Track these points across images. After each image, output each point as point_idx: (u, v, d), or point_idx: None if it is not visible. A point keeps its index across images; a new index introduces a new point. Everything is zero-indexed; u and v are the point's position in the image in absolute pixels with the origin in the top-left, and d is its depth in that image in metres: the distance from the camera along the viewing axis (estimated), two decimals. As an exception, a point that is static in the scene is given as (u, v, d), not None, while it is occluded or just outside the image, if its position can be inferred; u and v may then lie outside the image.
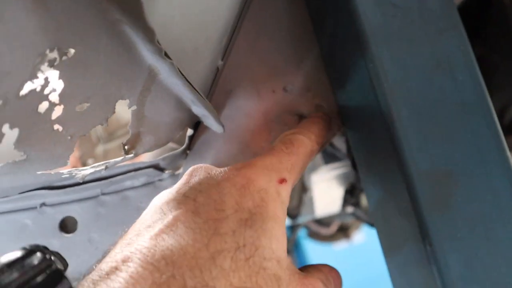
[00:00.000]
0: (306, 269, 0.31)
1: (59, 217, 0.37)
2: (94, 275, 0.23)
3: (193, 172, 0.30)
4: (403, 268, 0.36)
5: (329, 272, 0.31)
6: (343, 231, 1.40)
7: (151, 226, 0.26)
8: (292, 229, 1.17)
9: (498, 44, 0.54)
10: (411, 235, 0.31)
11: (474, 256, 0.29)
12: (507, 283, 0.28)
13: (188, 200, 0.27)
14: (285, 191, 0.30)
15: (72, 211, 0.37)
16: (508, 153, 0.30)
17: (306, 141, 0.34)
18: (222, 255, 0.24)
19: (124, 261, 0.23)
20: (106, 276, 0.23)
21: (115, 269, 0.23)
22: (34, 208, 0.37)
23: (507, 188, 0.29)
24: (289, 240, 0.91)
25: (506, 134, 0.64)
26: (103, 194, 0.37)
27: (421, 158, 0.29)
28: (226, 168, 0.30)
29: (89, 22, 0.22)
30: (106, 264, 0.24)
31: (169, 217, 0.26)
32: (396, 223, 0.34)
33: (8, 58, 0.19)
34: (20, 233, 0.37)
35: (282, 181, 0.30)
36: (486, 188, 0.29)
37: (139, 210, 0.37)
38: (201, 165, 0.31)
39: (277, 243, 0.27)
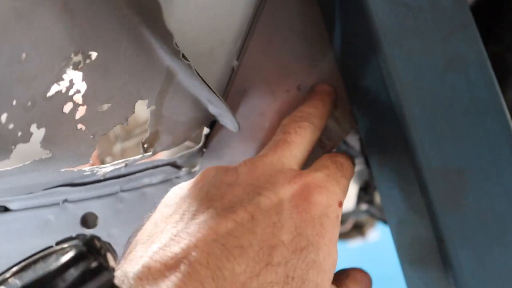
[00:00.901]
0: (341, 280, 0.30)
1: (81, 213, 0.38)
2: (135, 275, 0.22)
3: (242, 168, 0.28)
4: (416, 265, 0.36)
5: (363, 279, 0.31)
6: (358, 229, 1.39)
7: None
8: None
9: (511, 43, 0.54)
10: (423, 233, 0.32)
11: (487, 254, 0.29)
12: (520, 280, 0.29)
13: (244, 214, 0.25)
14: (341, 213, 0.29)
15: (92, 207, 0.38)
16: (521, 151, 0.30)
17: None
18: (269, 286, 0.23)
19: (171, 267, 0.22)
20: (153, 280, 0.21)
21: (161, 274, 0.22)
22: (56, 204, 0.38)
23: (519, 185, 0.29)
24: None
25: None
26: (122, 191, 0.39)
27: (433, 156, 0.30)
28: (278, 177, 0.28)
29: (111, 27, 0.23)
30: (151, 264, 0.22)
31: (227, 224, 0.24)
32: (409, 221, 0.35)
33: (37, 63, 0.20)
34: (44, 228, 0.38)
35: (341, 204, 0.29)
36: (499, 186, 0.29)
37: (156, 207, 0.38)
38: (250, 159, 0.29)
39: (323, 275, 0.25)
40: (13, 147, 0.22)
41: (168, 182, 0.39)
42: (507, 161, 0.30)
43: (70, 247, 0.21)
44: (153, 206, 0.39)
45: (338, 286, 0.29)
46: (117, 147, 0.68)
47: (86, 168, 0.31)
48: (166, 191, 0.39)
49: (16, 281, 0.19)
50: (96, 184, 0.38)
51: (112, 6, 0.23)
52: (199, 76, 0.28)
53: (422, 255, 0.34)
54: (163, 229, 0.25)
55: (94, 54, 0.23)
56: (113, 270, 0.21)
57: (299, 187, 0.27)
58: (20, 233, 0.38)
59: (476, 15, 0.32)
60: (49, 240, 0.38)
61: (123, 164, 0.31)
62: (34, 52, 0.20)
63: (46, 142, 0.24)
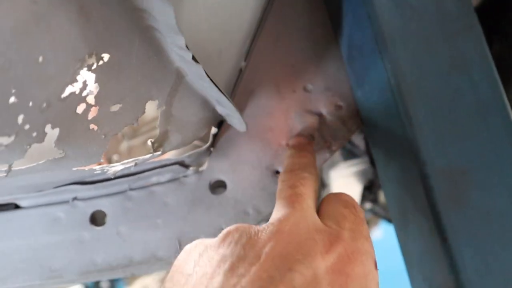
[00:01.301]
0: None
1: (90, 211, 0.39)
2: None
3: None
4: (420, 263, 0.37)
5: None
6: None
7: None
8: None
9: (517, 41, 0.54)
10: (427, 231, 0.32)
11: (489, 252, 0.30)
12: (522, 277, 0.29)
13: None
14: (378, 276, 0.28)
15: (101, 205, 0.39)
16: (524, 151, 0.31)
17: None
18: None
19: None
20: None
21: None
22: (66, 202, 0.39)
23: (522, 185, 0.30)
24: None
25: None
26: (131, 189, 0.39)
27: (437, 156, 0.30)
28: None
29: (123, 29, 0.24)
30: None
31: None
32: (413, 219, 0.35)
33: (53, 64, 0.20)
34: (54, 225, 0.39)
35: (376, 264, 0.28)
36: (501, 185, 0.30)
37: (165, 205, 0.39)
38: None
39: None
40: (28, 147, 0.23)
41: (176, 181, 0.39)
42: (510, 160, 0.30)
43: None
44: (161, 204, 0.39)
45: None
46: (124, 145, 0.69)
47: (97, 167, 0.32)
48: (174, 190, 0.39)
49: None
50: (105, 183, 0.39)
51: (125, 8, 0.23)
52: (208, 77, 0.28)
53: (426, 253, 0.34)
54: None
55: (106, 56, 0.24)
56: None
57: (334, 259, 0.25)
58: (30, 230, 0.39)
59: (481, 13, 0.32)
60: (59, 237, 0.39)
61: (132, 163, 0.32)
62: (51, 54, 0.20)
63: (60, 142, 0.24)
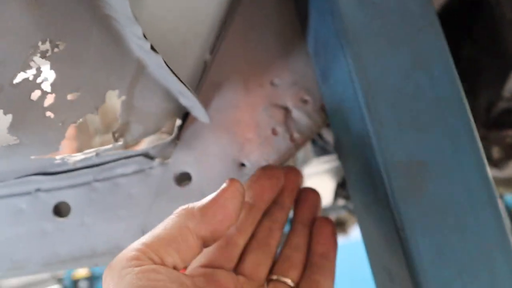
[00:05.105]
0: None
1: (53, 202, 0.39)
2: None
3: None
4: (380, 254, 0.37)
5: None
6: (340, 226, 1.40)
7: None
8: (291, 223, 1.18)
9: (486, 45, 0.55)
10: (386, 221, 0.33)
11: (444, 242, 0.30)
12: (476, 268, 0.30)
13: None
14: None
15: (65, 196, 0.39)
16: (480, 145, 0.31)
17: None
18: None
19: None
20: None
21: None
22: (29, 193, 0.39)
23: (478, 177, 0.31)
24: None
25: (492, 128, 0.65)
26: (96, 180, 0.39)
27: (397, 149, 0.31)
28: None
29: (79, 17, 0.24)
30: None
31: None
32: (374, 210, 0.36)
33: (3, 49, 0.20)
34: (16, 216, 0.39)
35: None
36: (458, 178, 0.31)
37: (129, 197, 0.39)
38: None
39: None
40: (-21, 132, 0.23)
41: (141, 173, 0.39)
42: (467, 154, 0.31)
43: None
44: (126, 196, 0.39)
45: None
46: (96, 141, 0.68)
47: (57, 156, 0.32)
48: (139, 181, 0.39)
49: None
50: (69, 173, 0.38)
51: (81, -4, 0.23)
52: (169, 68, 0.28)
53: (386, 245, 0.35)
54: None
55: (62, 43, 0.24)
56: None
57: None
58: (-8, 222, 0.39)
59: (451, 18, 0.33)
60: (21, 228, 0.39)
61: (94, 153, 0.32)
62: (0, 39, 0.20)
63: (13, 128, 0.24)
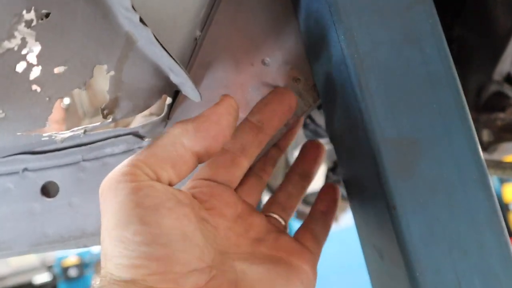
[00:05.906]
0: None
1: (41, 182, 0.38)
2: None
3: None
4: (370, 233, 0.37)
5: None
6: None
7: None
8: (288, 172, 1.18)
9: (476, 24, 0.55)
10: (377, 200, 0.33)
11: (435, 220, 0.30)
12: (465, 244, 0.30)
13: None
14: None
15: (53, 176, 0.38)
16: (471, 122, 0.31)
17: None
18: None
19: None
20: None
21: None
22: (16, 173, 0.38)
23: (468, 155, 0.31)
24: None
25: (482, 111, 0.66)
26: (84, 160, 0.39)
27: (387, 127, 0.31)
28: None
29: (65, -15, 0.23)
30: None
31: None
32: (364, 190, 0.36)
33: (-16, 16, 0.20)
34: (3, 196, 0.38)
35: None
36: (449, 156, 0.31)
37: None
38: None
39: None
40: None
41: (131, 152, 0.39)
42: (458, 131, 0.31)
43: None
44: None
45: None
46: (86, 123, 0.67)
47: (44, 133, 0.31)
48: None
49: None
50: (57, 153, 0.38)
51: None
52: (159, 42, 0.28)
53: (376, 224, 0.35)
54: None
55: (48, 13, 0.23)
56: None
57: None
58: (-22, 202, 0.38)
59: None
60: (8, 208, 0.38)
61: (82, 131, 0.31)
62: (-18, 5, 0.19)
63: (-2, 101, 0.24)
